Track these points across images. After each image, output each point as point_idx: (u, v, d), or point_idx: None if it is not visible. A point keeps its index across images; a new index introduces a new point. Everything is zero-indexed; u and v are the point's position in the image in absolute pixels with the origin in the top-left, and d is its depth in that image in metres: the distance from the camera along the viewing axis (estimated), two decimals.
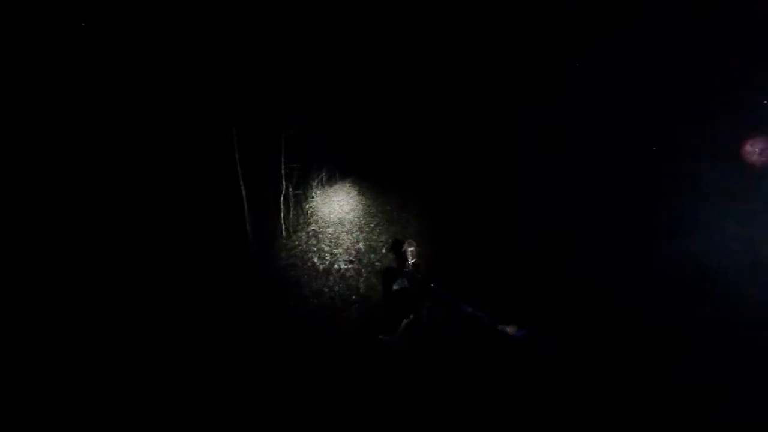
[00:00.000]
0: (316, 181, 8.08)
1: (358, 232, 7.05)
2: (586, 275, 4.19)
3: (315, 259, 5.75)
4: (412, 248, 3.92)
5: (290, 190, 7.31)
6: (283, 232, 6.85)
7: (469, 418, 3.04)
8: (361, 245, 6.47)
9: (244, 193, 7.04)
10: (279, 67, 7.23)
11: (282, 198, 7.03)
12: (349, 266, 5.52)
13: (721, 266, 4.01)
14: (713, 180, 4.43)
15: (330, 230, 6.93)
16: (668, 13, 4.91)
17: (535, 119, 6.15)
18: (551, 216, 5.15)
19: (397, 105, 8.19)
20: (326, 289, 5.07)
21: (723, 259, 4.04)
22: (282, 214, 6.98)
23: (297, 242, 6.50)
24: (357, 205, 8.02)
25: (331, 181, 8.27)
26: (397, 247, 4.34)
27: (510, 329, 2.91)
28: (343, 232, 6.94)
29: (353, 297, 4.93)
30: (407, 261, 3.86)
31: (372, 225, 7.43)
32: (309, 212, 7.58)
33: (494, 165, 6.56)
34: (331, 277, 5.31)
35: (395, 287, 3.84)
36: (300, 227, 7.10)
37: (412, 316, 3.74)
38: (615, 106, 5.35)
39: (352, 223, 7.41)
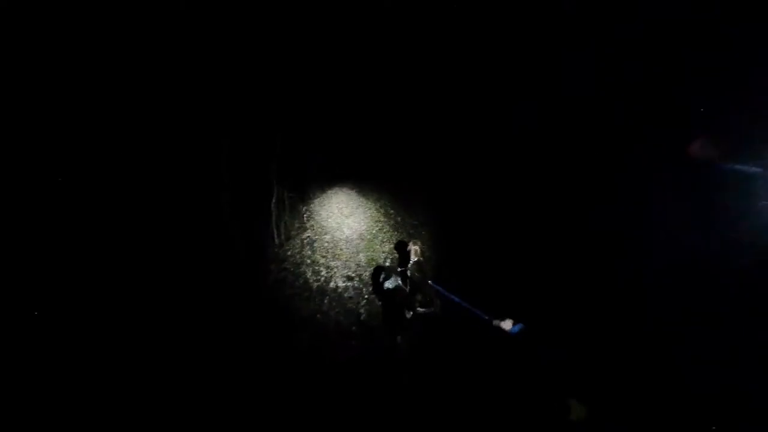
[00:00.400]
0: (312, 182, 7.17)
1: (359, 240, 6.15)
2: (588, 276, 4.08)
3: (308, 274, 4.86)
4: (416, 247, 3.97)
5: (283, 191, 6.42)
6: (275, 239, 5.95)
7: (469, 416, 2.96)
8: (361, 256, 5.57)
9: (230, 194, 6.14)
10: (271, 60, 6.39)
11: (273, 200, 6.12)
12: (348, 284, 4.64)
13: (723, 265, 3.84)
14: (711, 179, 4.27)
15: (327, 238, 6.03)
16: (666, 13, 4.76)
17: (537, 120, 6.01)
18: (556, 217, 4.98)
19: (399, 103, 7.47)
20: (319, 315, 4.18)
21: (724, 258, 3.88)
22: (273, 219, 6.08)
23: (289, 251, 5.60)
24: (357, 209, 7.13)
25: (329, 181, 7.36)
26: (401, 247, 4.29)
27: (505, 324, 2.79)
28: (341, 240, 6.05)
29: (353, 328, 4.03)
30: (409, 260, 3.83)
31: (374, 231, 6.53)
32: (304, 216, 6.67)
33: (499, 164, 6.28)
34: (326, 298, 4.42)
35: (388, 285, 3.67)
36: (293, 234, 6.20)
37: (408, 313, 3.65)
38: (617, 106, 5.23)
39: (351, 229, 6.52)
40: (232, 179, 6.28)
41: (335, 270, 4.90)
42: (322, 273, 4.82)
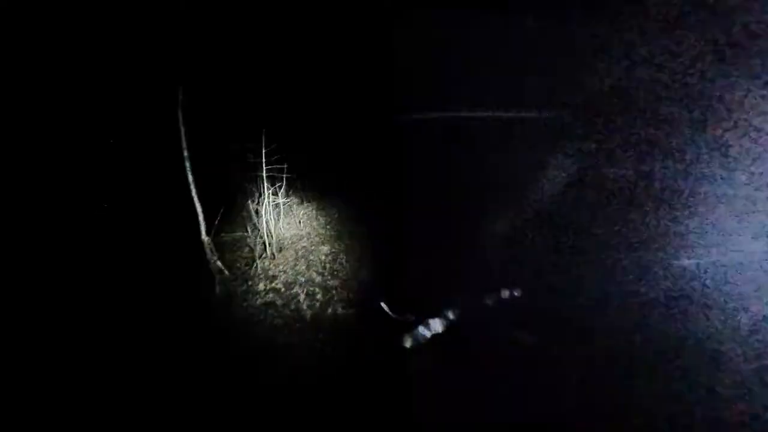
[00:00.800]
0: (311, 180, 6.27)
1: (362, 251, 5.24)
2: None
3: (301, 297, 3.96)
4: None
5: (277, 192, 5.53)
6: (266, 250, 5.06)
7: None
8: (366, 271, 4.65)
9: (209, 200, 5.22)
10: (256, 44, 5.55)
11: (264, 203, 5.22)
12: (350, 311, 3.72)
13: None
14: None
15: (325, 249, 5.14)
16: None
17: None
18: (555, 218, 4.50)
19: (400, 100, 6.89)
20: (314, 358, 3.25)
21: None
22: (264, 225, 5.18)
23: (281, 266, 4.69)
24: (361, 213, 6.22)
25: (330, 180, 6.46)
26: None
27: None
28: (341, 251, 5.14)
29: (356, 377, 3.09)
30: None
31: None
32: (300, 222, 5.77)
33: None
34: (321, 333, 3.50)
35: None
36: (287, 243, 5.30)
37: None
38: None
39: (351, 237, 5.61)
40: (214, 176, 5.36)
41: (334, 292, 3.98)
42: (318, 296, 3.90)
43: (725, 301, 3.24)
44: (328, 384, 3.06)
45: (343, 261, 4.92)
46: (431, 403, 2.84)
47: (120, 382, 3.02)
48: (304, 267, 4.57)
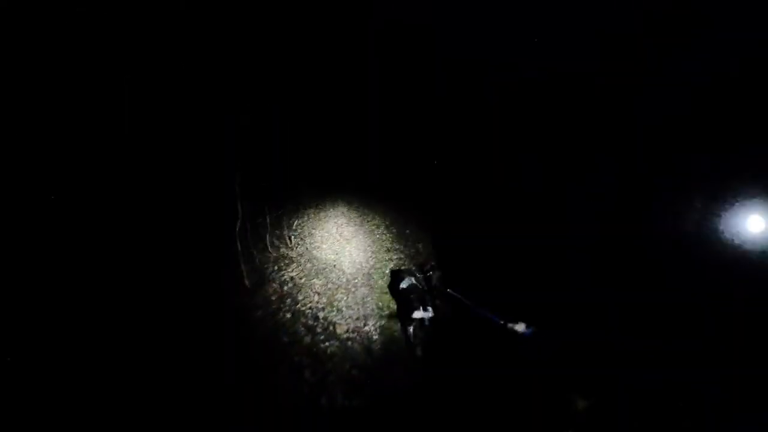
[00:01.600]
0: (293, 201, 4.92)
1: (366, 288, 3.93)
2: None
3: (285, 373, 2.59)
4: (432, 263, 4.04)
5: (264, 206, 4.23)
6: (245, 281, 3.69)
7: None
8: (371, 327, 3.32)
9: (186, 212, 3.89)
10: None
11: (237, 228, 3.84)
12: (354, 401, 2.38)
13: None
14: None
15: (318, 283, 3.83)
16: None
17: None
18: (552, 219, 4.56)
19: (405, 100, 6.34)
20: None
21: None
22: (239, 248, 3.82)
23: (259, 311, 3.35)
24: (357, 232, 4.98)
25: (316, 198, 5.13)
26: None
27: (519, 327, 2.71)
28: (340, 286, 3.86)
29: None
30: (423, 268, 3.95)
31: (385, 268, 4.32)
32: (290, 238, 4.42)
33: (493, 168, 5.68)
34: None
35: (403, 285, 3.55)
36: (270, 272, 3.96)
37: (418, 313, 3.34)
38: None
39: (354, 263, 4.36)
40: (172, 205, 3.98)
41: (332, 362, 2.64)
42: (306, 374, 2.55)
43: None
44: None
45: (342, 301, 3.60)
46: None
47: None
48: (288, 314, 3.23)
